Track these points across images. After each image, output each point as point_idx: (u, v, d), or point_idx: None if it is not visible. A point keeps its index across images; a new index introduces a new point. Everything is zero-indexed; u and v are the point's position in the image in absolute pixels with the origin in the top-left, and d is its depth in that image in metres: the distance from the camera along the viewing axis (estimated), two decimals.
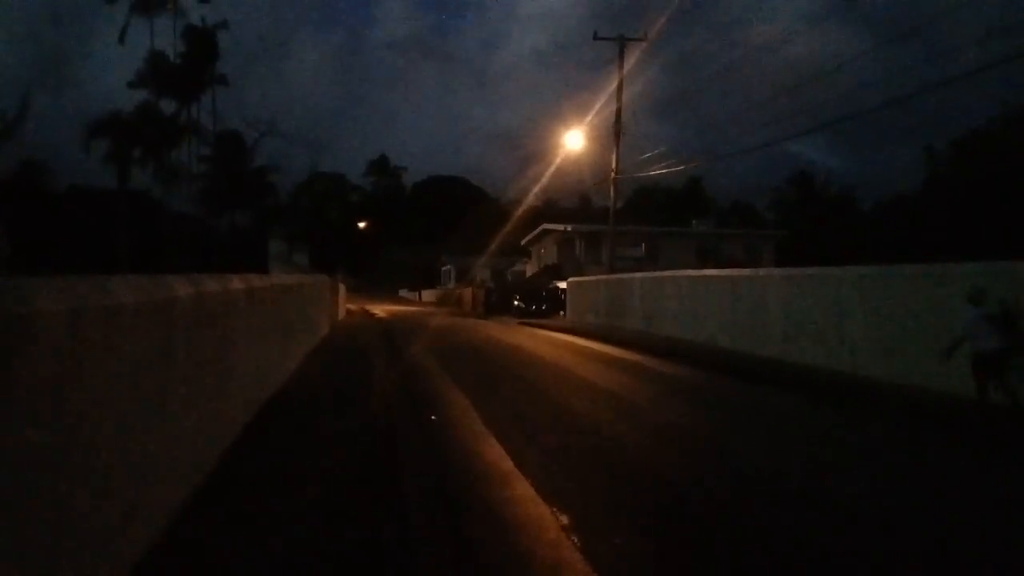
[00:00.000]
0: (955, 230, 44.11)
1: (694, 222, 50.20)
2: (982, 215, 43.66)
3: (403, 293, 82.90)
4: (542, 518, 5.08)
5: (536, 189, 54.20)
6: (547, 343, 20.22)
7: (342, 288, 33.65)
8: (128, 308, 3.37)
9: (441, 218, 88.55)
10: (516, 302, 38.72)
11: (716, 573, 4.36)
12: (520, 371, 13.71)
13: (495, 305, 39.97)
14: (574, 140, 32.62)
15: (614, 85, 28.90)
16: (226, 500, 4.90)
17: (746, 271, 18.48)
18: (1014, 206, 41.36)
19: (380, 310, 42.94)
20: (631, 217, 48.47)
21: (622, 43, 28.49)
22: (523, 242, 54.30)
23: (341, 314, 30.69)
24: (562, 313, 34.79)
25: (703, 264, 36.31)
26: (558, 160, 37.04)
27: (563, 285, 36.13)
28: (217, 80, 56.13)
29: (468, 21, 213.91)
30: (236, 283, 6.44)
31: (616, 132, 29.05)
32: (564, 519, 5.06)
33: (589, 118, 31.46)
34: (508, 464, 6.55)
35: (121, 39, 51.38)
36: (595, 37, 28.80)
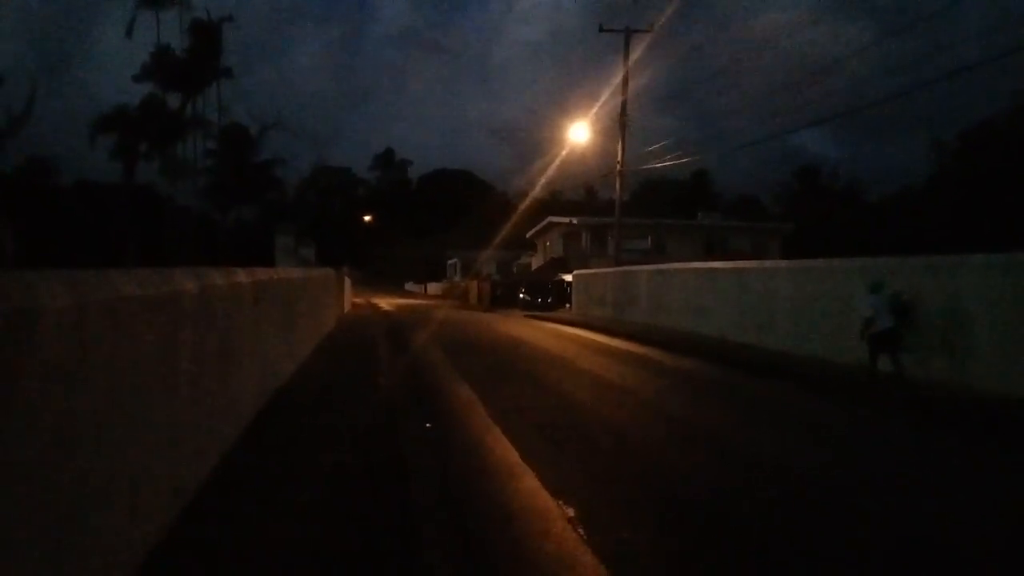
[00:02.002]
0: (962, 222, 43.86)
1: (700, 215, 50.00)
2: (989, 207, 43.41)
3: (409, 286, 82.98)
4: (548, 510, 5.08)
5: (542, 182, 54.05)
6: (553, 336, 20.21)
7: (348, 281, 33.71)
8: (133, 302, 3.37)
9: (447, 211, 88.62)
10: (522, 295, 38.70)
11: (722, 566, 4.35)
12: (526, 364, 13.70)
13: (501, 298, 40.00)
14: (579, 133, 32.52)
15: (619, 77, 28.78)
16: (232, 495, 4.91)
17: (753, 263, 18.42)
18: (1021, 198, 41.10)
19: (386, 303, 43.02)
20: (637, 209, 48.30)
21: (627, 35, 28.33)
22: (528, 235, 54.24)
23: (347, 307, 30.75)
24: (568, 306, 34.76)
25: (709, 256, 36.21)
26: (564, 153, 36.93)
27: (569, 278, 36.09)
28: (222, 74, 56.15)
29: (472, 14, 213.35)
30: (242, 277, 6.44)
31: (622, 124, 28.94)
32: (570, 511, 5.05)
33: (595, 110, 31.37)
34: (514, 456, 6.55)
35: (128, 33, 51.43)
36: (600, 29, 28.65)
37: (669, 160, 29.58)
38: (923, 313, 11.21)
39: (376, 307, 37.73)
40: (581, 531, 4.68)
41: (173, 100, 53.71)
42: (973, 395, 9.80)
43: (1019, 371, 9.67)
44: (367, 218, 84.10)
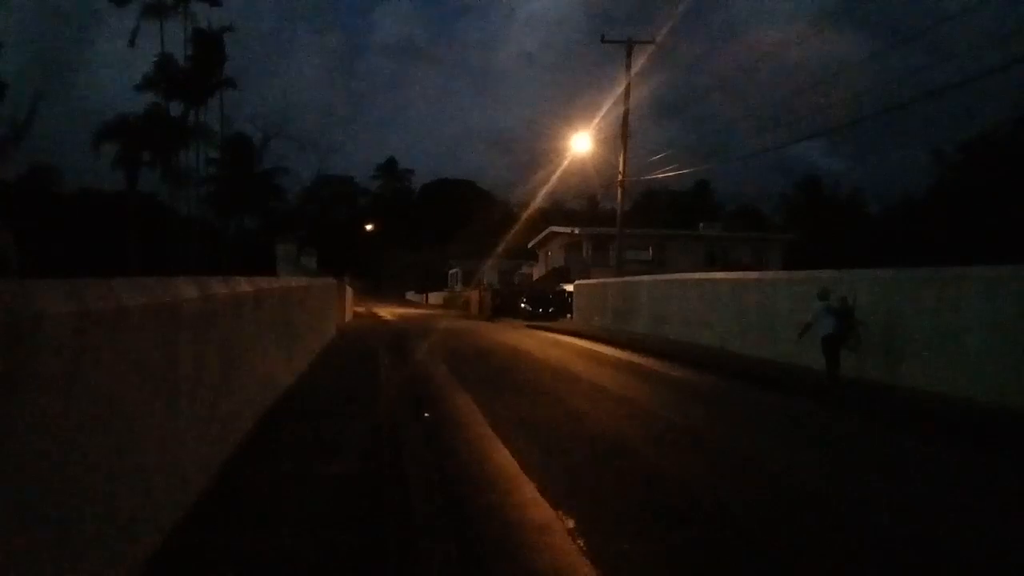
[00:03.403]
0: (965, 233, 43.86)
1: (701, 225, 50.01)
2: (992, 217, 43.42)
3: (410, 296, 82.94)
4: (548, 522, 5.06)
5: (543, 192, 54.15)
6: (554, 346, 20.20)
7: (349, 291, 33.72)
8: (134, 311, 3.38)
9: (448, 221, 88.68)
10: (523, 305, 38.67)
11: None
12: (527, 375, 13.69)
13: (502, 308, 39.93)
14: (581, 143, 32.57)
15: (621, 88, 28.85)
16: (231, 504, 4.90)
17: (754, 274, 18.43)
18: (1022, 209, 41.11)
19: (387, 313, 43.04)
20: (638, 220, 48.36)
21: (630, 46, 28.41)
22: (530, 245, 54.28)
23: (348, 316, 30.74)
24: (569, 316, 34.75)
25: (710, 267, 36.22)
26: (565, 163, 36.98)
27: (570, 288, 36.08)
28: (225, 83, 56.33)
29: (475, 25, 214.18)
30: (243, 286, 6.45)
31: (623, 135, 29.00)
32: (570, 523, 5.04)
33: (596, 121, 31.42)
34: (515, 468, 6.54)
35: (132, 42, 51.61)
36: (603, 40, 28.76)
37: (670, 171, 29.63)
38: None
39: (377, 316, 37.74)
40: (581, 542, 4.67)
41: (175, 110, 53.94)
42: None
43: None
44: (369, 227, 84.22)
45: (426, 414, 9.11)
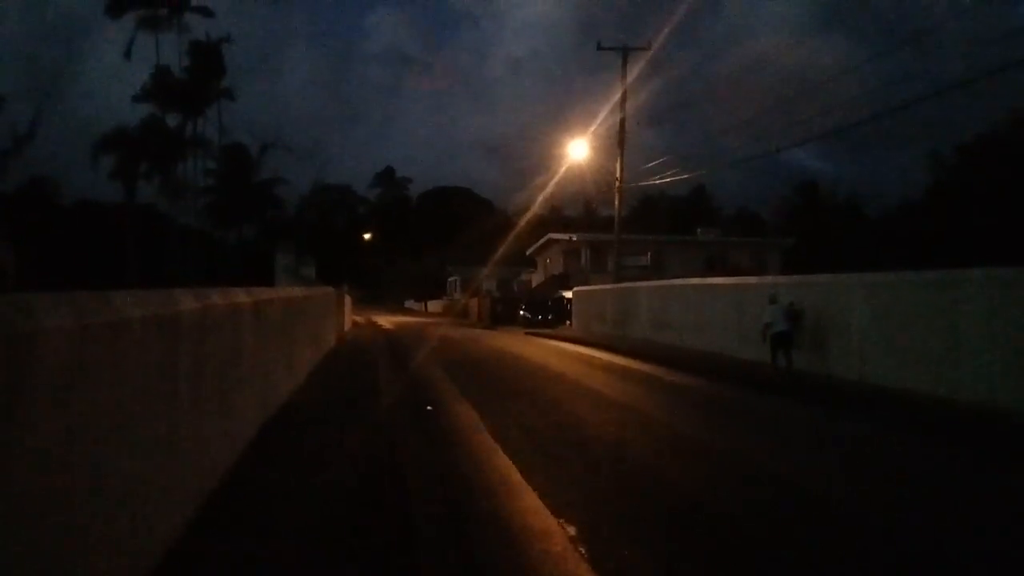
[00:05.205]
0: (962, 236, 43.91)
1: (699, 230, 50.00)
2: (990, 220, 43.48)
3: (409, 304, 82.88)
4: (549, 529, 5.05)
5: (541, 199, 54.16)
6: (554, 353, 20.19)
7: (348, 300, 33.69)
8: (134, 323, 3.38)
9: (446, 228, 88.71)
10: (522, 312, 38.66)
11: None
12: (527, 382, 13.67)
13: (501, 315, 39.92)
14: (578, 150, 32.63)
15: (618, 94, 28.93)
16: (231, 516, 4.89)
17: (752, 279, 18.44)
18: (1020, 211, 41.18)
19: (386, 321, 42.98)
20: (636, 225, 48.33)
21: (625, 53, 28.51)
22: (529, 252, 54.29)
23: (347, 326, 30.70)
24: (568, 323, 34.75)
25: (709, 272, 36.20)
26: (563, 170, 37.01)
27: (569, 295, 36.08)
28: (222, 94, 56.44)
29: (470, 35, 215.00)
30: (242, 297, 6.45)
31: (620, 141, 29.06)
32: (572, 530, 5.03)
33: (594, 127, 31.49)
34: (515, 475, 6.53)
35: (127, 54, 51.77)
36: (599, 47, 28.87)
37: (668, 177, 29.67)
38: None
39: (376, 325, 37.70)
40: (583, 550, 4.66)
41: (174, 121, 54.03)
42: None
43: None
44: (367, 236, 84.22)
45: (428, 408, 9.20)
